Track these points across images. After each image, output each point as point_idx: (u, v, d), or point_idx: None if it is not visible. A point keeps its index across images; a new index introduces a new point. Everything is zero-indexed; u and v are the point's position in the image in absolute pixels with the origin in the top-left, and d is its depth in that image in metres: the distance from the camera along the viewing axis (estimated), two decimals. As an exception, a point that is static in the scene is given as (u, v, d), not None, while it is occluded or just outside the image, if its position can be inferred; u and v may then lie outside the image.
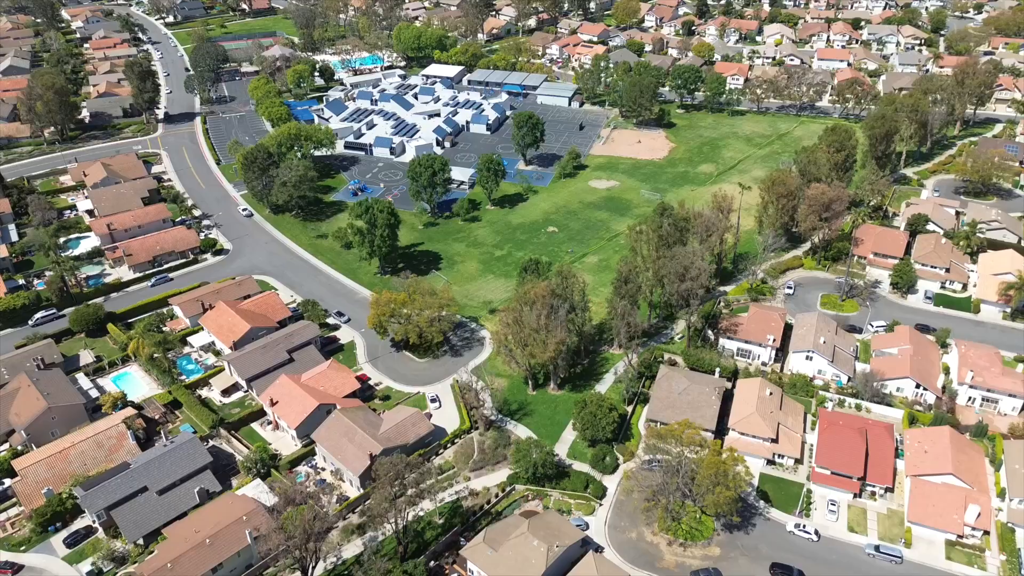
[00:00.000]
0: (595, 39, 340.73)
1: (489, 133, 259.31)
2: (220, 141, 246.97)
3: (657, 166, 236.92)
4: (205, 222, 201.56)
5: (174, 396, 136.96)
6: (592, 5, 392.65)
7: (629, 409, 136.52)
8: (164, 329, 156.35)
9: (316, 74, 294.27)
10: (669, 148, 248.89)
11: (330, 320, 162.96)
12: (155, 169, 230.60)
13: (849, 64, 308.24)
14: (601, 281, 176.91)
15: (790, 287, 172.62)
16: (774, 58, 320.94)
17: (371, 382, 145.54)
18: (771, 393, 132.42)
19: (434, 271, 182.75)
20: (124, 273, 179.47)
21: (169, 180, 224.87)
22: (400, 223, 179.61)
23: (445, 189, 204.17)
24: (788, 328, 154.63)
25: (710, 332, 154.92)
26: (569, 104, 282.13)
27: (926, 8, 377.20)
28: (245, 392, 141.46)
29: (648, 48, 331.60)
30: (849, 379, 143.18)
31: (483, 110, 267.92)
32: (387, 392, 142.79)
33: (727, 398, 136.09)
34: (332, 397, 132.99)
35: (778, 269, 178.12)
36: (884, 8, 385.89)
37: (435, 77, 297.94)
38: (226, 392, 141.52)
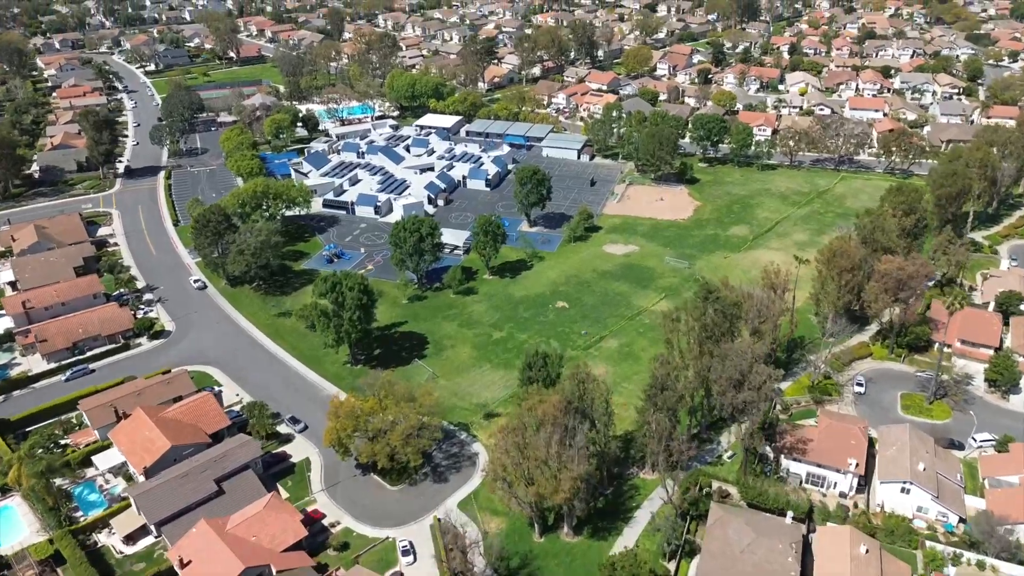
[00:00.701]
0: (604, 88, 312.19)
1: (488, 189, 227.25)
2: (183, 199, 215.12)
3: (682, 228, 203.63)
4: (147, 296, 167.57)
5: (56, 547, 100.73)
6: (600, 53, 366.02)
7: (672, 568, 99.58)
8: (65, 442, 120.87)
9: (298, 124, 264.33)
10: (694, 207, 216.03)
11: (281, 428, 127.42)
12: (101, 231, 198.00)
13: (885, 114, 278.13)
14: (623, 373, 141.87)
15: (860, 383, 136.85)
16: (801, 107, 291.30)
17: (326, 521, 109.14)
18: (867, 550, 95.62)
19: (416, 360, 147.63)
20: (36, 363, 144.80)
21: (115, 244, 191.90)
22: (376, 301, 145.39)
23: (435, 256, 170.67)
24: (870, 443, 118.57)
25: (768, 449, 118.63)
26: (578, 157, 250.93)
27: (958, 56, 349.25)
28: (156, 538, 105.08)
29: (663, 97, 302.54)
30: (961, 521, 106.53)
31: (482, 164, 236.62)
32: (345, 537, 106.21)
33: (804, 552, 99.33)
34: (266, 554, 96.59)
35: (842, 360, 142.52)
36: (912, 56, 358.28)
37: (430, 128, 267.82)
38: (131, 538, 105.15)
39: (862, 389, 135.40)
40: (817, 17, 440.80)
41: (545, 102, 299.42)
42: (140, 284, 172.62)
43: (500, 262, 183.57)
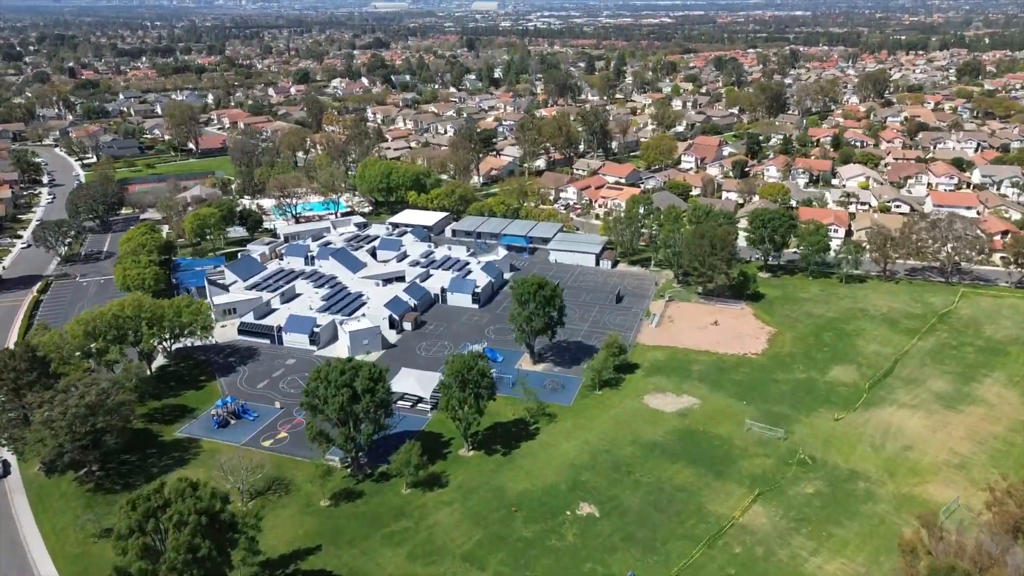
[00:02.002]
0: (623, 180, 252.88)
1: (476, 307, 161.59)
2: (54, 322, 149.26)
3: (757, 368, 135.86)
4: None
5: None
6: (614, 145, 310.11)
7: None
8: None
9: (237, 222, 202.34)
10: (767, 334, 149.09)
11: None
12: None
13: (978, 213, 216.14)
14: None
15: None
16: (868, 204, 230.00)
17: None
18: None
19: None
20: None
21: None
22: (235, 542, 76.13)
23: (379, 424, 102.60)
24: None
25: None
26: (597, 264, 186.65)
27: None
28: None
29: (696, 191, 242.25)
30: None
31: (469, 272, 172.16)
32: None
33: None
34: None
35: None
36: (977, 149, 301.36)
37: (405, 226, 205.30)
38: None
39: None
40: (851, 110, 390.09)
41: (552, 197, 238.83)
42: None
43: (488, 423, 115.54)
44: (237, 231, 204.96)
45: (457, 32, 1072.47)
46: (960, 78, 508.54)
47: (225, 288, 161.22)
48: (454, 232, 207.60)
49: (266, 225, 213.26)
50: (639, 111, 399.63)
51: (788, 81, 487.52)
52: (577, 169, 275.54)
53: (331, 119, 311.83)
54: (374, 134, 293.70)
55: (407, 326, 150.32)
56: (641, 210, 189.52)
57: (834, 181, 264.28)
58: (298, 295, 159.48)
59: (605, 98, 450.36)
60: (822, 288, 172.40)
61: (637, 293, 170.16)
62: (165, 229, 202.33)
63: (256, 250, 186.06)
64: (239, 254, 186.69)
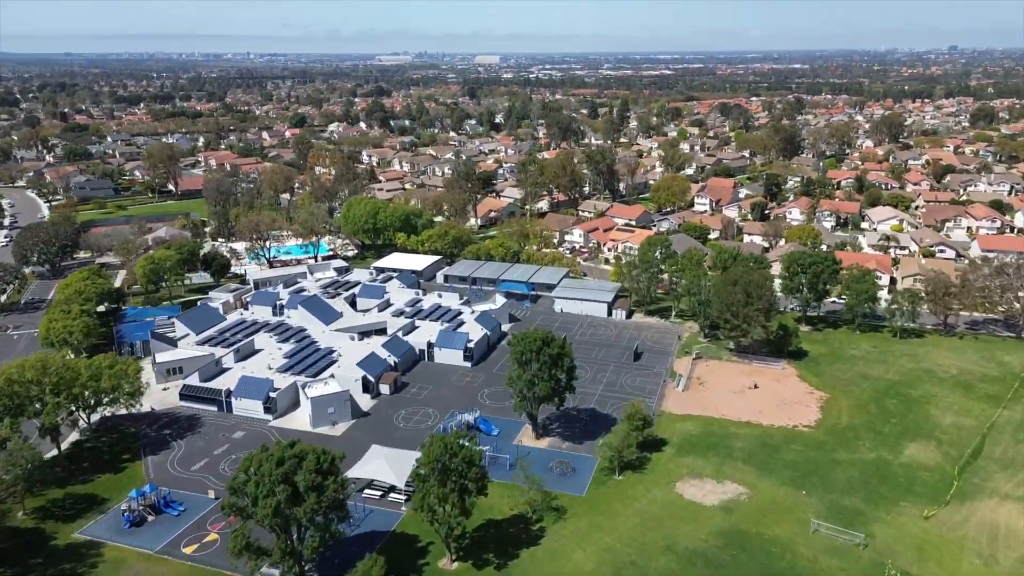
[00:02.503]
0: (633, 222, 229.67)
1: (469, 365, 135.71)
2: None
3: (812, 444, 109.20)
4: None
5: None
6: (621, 186, 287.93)
7: None
8: None
9: (201, 266, 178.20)
10: (818, 401, 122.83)
11: None
12: None
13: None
14: None
15: None
16: (909, 249, 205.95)
17: None
18: None
19: None
20: None
21: None
22: None
23: (329, 533, 76.05)
24: None
25: None
26: (609, 314, 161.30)
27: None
28: None
29: (714, 235, 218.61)
30: None
31: (461, 323, 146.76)
32: None
33: None
34: None
35: None
36: (1011, 192, 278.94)
37: (391, 271, 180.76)
38: None
39: None
40: (868, 152, 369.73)
41: (556, 240, 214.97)
42: None
43: (478, 521, 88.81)
44: (203, 276, 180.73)
45: (459, 83, 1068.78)
46: (974, 123, 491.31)
47: (173, 343, 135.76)
48: (446, 278, 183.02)
49: (236, 270, 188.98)
50: (645, 154, 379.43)
51: (800, 124, 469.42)
52: (583, 211, 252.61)
53: (317, 156, 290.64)
54: (365, 174, 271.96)
55: (384, 389, 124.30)
56: (658, 253, 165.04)
57: (863, 224, 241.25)
58: (257, 351, 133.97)
59: (609, 142, 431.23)
60: (874, 344, 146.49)
61: (658, 349, 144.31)
62: (120, 275, 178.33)
63: (219, 298, 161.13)
64: (199, 302, 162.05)
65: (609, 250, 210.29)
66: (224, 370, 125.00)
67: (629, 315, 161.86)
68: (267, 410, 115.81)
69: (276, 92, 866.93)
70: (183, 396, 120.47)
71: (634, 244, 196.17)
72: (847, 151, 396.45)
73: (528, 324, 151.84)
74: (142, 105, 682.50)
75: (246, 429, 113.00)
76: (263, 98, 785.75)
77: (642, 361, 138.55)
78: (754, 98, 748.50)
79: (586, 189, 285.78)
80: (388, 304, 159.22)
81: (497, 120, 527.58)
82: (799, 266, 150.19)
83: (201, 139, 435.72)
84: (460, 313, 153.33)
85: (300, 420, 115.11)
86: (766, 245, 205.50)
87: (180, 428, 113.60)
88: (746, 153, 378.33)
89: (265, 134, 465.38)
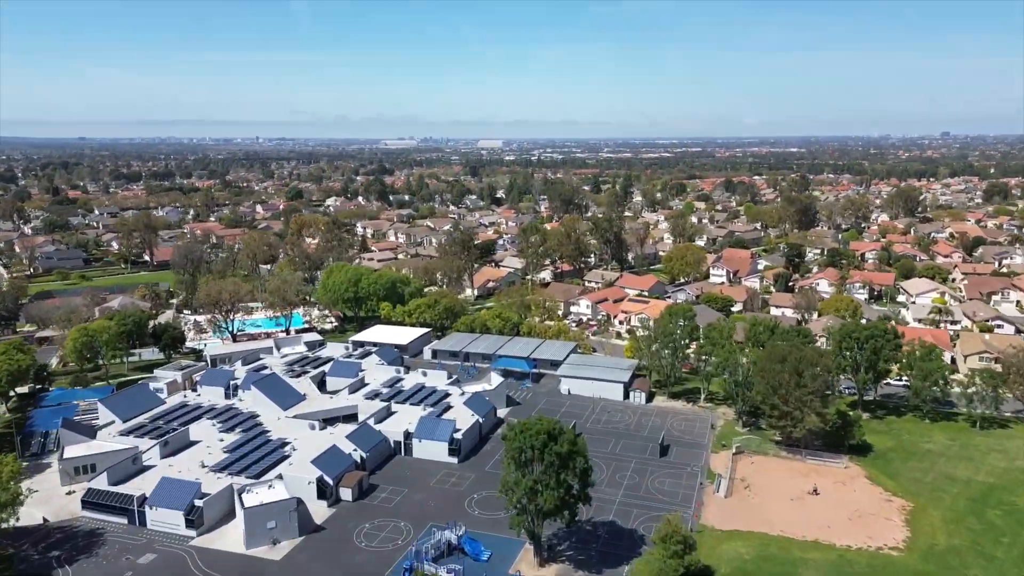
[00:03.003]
0: (646, 293, 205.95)
1: (455, 461, 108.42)
2: None
3: (904, 574, 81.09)
4: None
5: None
6: (630, 256, 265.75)
7: None
8: None
9: (152, 341, 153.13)
10: (900, 511, 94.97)
11: None
12: None
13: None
14: None
15: None
16: (959, 324, 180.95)
17: None
18: None
19: None
20: None
21: None
22: None
23: None
24: None
25: None
26: (626, 396, 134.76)
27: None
28: None
29: (738, 306, 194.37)
30: None
31: (448, 407, 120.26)
32: None
33: None
34: None
35: None
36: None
37: (372, 345, 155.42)
38: None
39: None
40: (888, 225, 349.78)
41: (560, 312, 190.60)
42: None
43: None
44: (156, 352, 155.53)
45: (462, 163, 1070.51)
46: (988, 199, 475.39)
47: (91, 433, 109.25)
48: (435, 353, 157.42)
49: (196, 345, 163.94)
50: (652, 227, 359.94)
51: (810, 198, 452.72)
52: (589, 281, 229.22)
53: (302, 222, 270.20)
54: (355, 241, 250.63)
55: (345, 494, 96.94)
56: (680, 325, 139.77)
57: (900, 297, 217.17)
58: (193, 443, 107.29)
59: (614, 215, 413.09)
60: (950, 436, 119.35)
61: (688, 441, 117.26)
62: (56, 351, 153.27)
63: (164, 377, 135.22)
64: (140, 382, 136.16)
65: (621, 322, 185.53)
66: (144, 469, 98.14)
67: (650, 398, 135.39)
68: (190, 523, 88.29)
69: (278, 171, 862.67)
70: (85, 504, 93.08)
71: (650, 315, 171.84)
72: (863, 224, 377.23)
73: (529, 409, 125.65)
74: (141, 183, 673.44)
75: (159, 550, 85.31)
76: (264, 175, 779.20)
77: (670, 456, 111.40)
78: (756, 176, 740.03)
79: (591, 260, 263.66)
80: (362, 384, 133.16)
81: (498, 195, 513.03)
82: (853, 340, 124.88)
83: (192, 211, 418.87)
84: (447, 395, 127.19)
85: (232, 538, 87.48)
86: (798, 318, 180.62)
87: (73, 548, 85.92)
88: (757, 225, 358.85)
89: (259, 207, 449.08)
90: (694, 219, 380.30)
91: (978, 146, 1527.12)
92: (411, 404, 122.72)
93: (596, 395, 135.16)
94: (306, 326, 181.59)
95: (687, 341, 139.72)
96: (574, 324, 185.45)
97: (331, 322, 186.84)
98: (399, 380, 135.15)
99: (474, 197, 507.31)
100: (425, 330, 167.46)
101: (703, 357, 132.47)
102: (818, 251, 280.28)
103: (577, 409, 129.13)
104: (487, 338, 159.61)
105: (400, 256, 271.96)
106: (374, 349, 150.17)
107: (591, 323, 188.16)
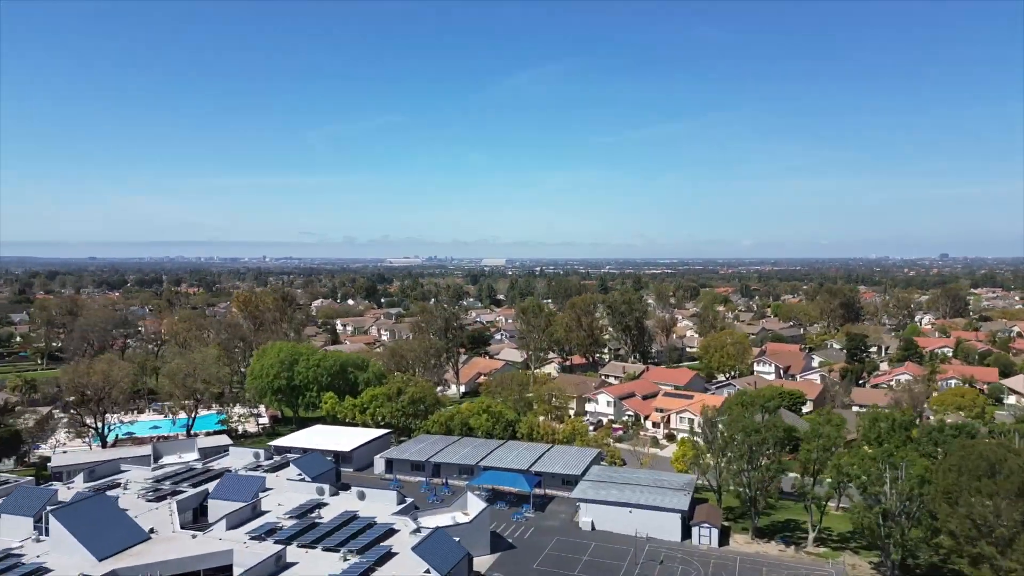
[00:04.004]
0: (682, 388, 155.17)
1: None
2: None
3: None
4: None
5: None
6: (654, 349, 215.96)
7: None
8: None
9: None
10: None
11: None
12: None
13: None
14: None
15: None
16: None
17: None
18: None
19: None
20: None
21: None
22: None
23: None
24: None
25: None
26: (686, 534, 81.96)
27: None
28: None
29: (808, 408, 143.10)
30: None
31: (387, 553, 67.56)
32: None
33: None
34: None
35: None
36: None
37: (298, 452, 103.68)
38: None
39: None
40: (946, 324, 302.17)
41: (572, 409, 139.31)
42: None
43: None
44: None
45: (464, 277, 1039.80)
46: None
47: None
48: (389, 464, 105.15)
49: (50, 452, 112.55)
50: (674, 323, 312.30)
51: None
52: (606, 375, 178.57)
53: (243, 297, 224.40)
54: (306, 319, 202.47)
55: None
56: (758, 432, 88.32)
57: (1008, 400, 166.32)
58: None
59: (632, 298, 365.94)
60: None
61: (816, 622, 64.01)
62: None
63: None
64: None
65: (655, 424, 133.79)
66: None
67: (724, 538, 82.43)
68: None
69: (274, 282, 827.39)
70: None
71: (694, 414, 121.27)
72: (907, 323, 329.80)
73: (529, 557, 73.15)
74: (121, 290, 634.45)
75: None
76: (257, 284, 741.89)
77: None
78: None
79: (606, 355, 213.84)
80: (258, 512, 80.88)
81: (499, 297, 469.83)
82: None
83: (148, 308, 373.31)
84: (391, 532, 74.77)
85: None
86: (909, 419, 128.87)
87: None
88: (791, 323, 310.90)
89: (235, 308, 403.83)
90: (720, 310, 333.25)
91: (979, 267, 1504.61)
92: (324, 548, 70.25)
93: (637, 532, 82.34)
94: (223, 428, 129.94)
95: (771, 448, 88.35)
96: (592, 426, 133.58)
97: (261, 423, 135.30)
98: (318, 506, 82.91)
99: (472, 299, 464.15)
100: (382, 432, 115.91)
101: (815, 469, 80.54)
102: (874, 348, 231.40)
103: (607, 556, 76.57)
104: (467, 442, 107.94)
105: (379, 349, 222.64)
106: (293, 458, 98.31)
107: (616, 427, 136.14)
